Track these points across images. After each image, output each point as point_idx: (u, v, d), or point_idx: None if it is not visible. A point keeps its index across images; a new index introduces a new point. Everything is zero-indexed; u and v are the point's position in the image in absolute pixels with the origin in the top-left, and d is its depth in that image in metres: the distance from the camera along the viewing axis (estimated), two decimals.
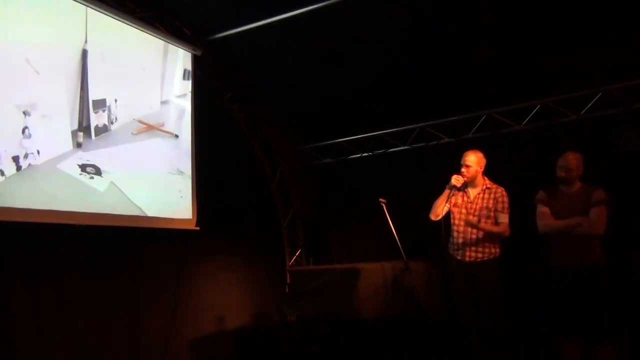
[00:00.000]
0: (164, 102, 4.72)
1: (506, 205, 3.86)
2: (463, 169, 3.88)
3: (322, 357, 4.55)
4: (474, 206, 3.90)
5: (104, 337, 4.02)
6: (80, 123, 3.88)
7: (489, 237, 3.84)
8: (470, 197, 3.94)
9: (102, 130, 4.06)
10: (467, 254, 3.86)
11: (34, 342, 3.57)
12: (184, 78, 4.94)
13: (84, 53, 3.94)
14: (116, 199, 4.08)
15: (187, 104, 4.95)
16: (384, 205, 4.17)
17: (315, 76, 5.31)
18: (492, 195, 3.88)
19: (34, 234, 3.53)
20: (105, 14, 4.12)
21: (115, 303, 4.16)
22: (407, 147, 5.82)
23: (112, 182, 4.07)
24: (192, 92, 4.99)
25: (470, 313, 3.81)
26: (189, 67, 4.97)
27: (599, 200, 3.56)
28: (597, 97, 4.64)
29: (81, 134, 3.87)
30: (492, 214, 3.85)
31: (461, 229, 3.91)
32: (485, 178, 3.96)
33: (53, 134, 3.68)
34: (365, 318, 3.93)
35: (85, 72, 3.93)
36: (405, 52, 4.85)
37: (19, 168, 3.42)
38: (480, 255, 3.83)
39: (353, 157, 6.25)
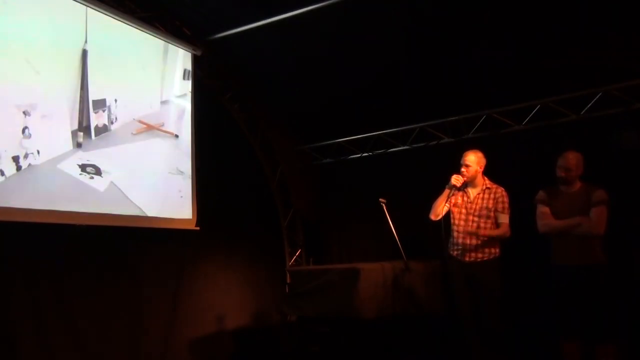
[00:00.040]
0: (164, 102, 4.72)
1: (506, 205, 3.86)
2: (463, 169, 3.88)
3: (322, 357, 4.55)
4: (473, 206, 3.90)
5: (104, 337, 4.01)
6: (80, 123, 3.88)
7: (490, 238, 3.84)
8: (470, 197, 3.94)
9: (102, 130, 4.06)
10: (467, 254, 3.85)
11: (34, 342, 3.57)
12: (184, 78, 4.94)
13: (84, 53, 3.94)
14: (116, 199, 4.08)
15: (187, 104, 4.95)
16: (384, 205, 4.17)
17: (315, 76, 5.31)
18: (492, 196, 3.88)
19: (34, 234, 3.53)
20: (105, 14, 4.12)
21: (115, 303, 4.16)
22: (407, 147, 5.82)
23: (112, 182, 4.07)
24: (192, 92, 4.99)
25: (470, 313, 3.80)
26: (189, 67, 4.97)
27: (599, 200, 3.56)
28: (597, 97, 4.64)
29: (81, 134, 3.87)
30: (492, 214, 3.85)
31: (461, 228, 3.91)
32: (485, 178, 3.96)
33: (53, 134, 3.68)
34: (365, 318, 3.93)
35: (85, 72, 3.93)
36: (405, 52, 4.85)
37: (19, 168, 3.42)
38: (480, 255, 3.83)
39: (353, 157, 6.25)
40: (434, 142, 5.64)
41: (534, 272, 4.30)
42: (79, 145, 3.86)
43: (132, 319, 4.29)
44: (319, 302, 4.25)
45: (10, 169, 3.37)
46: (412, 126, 5.69)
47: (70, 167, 3.78)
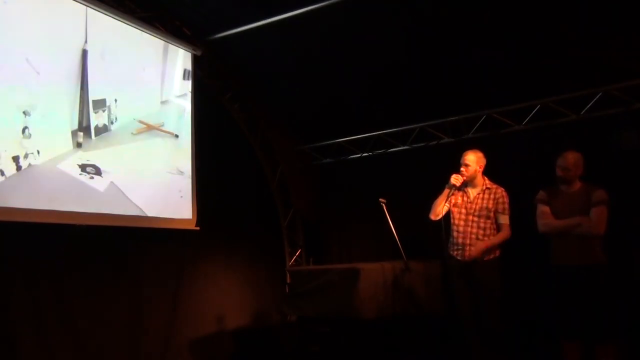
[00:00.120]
0: (164, 102, 4.72)
1: (506, 206, 3.85)
2: (462, 168, 3.88)
3: (322, 357, 4.55)
4: (473, 206, 3.89)
5: (104, 337, 4.02)
6: (80, 123, 3.88)
7: (489, 237, 3.83)
8: (470, 197, 3.93)
9: (102, 130, 4.06)
10: (467, 254, 3.85)
11: (34, 342, 3.57)
12: (184, 78, 4.94)
13: (84, 53, 3.94)
14: (116, 199, 4.08)
15: (187, 104, 4.95)
16: (384, 205, 4.17)
17: (315, 76, 5.31)
18: (492, 196, 3.88)
19: (34, 234, 3.53)
20: (105, 14, 4.12)
21: (115, 303, 4.16)
22: (407, 147, 5.82)
23: (112, 182, 4.07)
24: (192, 92, 4.99)
25: (470, 313, 3.80)
26: (189, 67, 4.97)
27: (599, 200, 3.56)
28: (597, 97, 4.64)
29: (81, 134, 3.88)
30: (492, 214, 3.85)
31: (461, 228, 3.91)
32: (485, 178, 3.96)
33: (53, 134, 3.68)
34: (365, 318, 3.93)
35: (85, 72, 3.93)
36: (405, 52, 4.85)
37: (19, 168, 3.42)
38: (480, 255, 3.82)
39: (353, 157, 6.25)
40: (434, 142, 5.64)
41: (534, 272, 4.31)
42: (79, 145, 3.86)
43: (132, 319, 4.29)
44: (319, 302, 4.25)
45: (10, 169, 3.37)
46: (412, 126, 5.69)
47: (70, 167, 3.78)
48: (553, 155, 3.78)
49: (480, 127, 5.30)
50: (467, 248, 3.85)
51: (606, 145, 4.51)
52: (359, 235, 6.12)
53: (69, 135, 3.80)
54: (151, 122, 4.53)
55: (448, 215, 3.98)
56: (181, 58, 4.90)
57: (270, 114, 6.10)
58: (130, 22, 4.35)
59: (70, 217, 3.72)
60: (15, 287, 3.55)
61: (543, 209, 3.75)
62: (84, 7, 3.95)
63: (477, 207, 3.88)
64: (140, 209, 4.28)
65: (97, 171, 3.97)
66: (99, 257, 4.06)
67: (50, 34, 3.71)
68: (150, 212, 4.37)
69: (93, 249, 3.99)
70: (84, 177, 3.86)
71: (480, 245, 3.76)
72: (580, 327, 3.52)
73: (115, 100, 4.18)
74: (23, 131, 3.47)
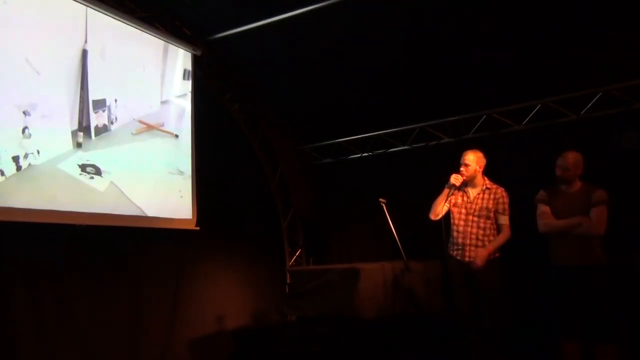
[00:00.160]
0: (164, 102, 4.72)
1: (506, 206, 3.85)
2: (462, 168, 3.88)
3: (322, 357, 4.55)
4: (473, 206, 3.89)
5: (104, 337, 4.01)
6: (80, 123, 3.88)
7: (489, 237, 3.83)
8: (470, 197, 3.93)
9: (102, 130, 4.06)
10: (467, 254, 3.85)
11: (34, 342, 3.57)
12: (184, 78, 4.94)
13: (84, 53, 3.94)
14: (116, 199, 4.08)
15: (187, 104, 4.95)
16: (384, 205, 4.17)
17: (315, 76, 5.32)
18: (492, 196, 3.87)
19: (34, 234, 3.53)
20: (105, 14, 4.12)
21: (115, 303, 4.16)
22: (407, 147, 5.82)
23: (112, 182, 4.07)
24: (192, 92, 4.99)
25: (470, 313, 3.80)
26: (189, 67, 4.97)
27: (600, 200, 3.56)
28: (597, 97, 4.64)
29: (81, 134, 3.88)
30: (492, 214, 3.85)
31: (461, 228, 3.91)
32: (485, 178, 3.96)
33: (53, 134, 3.68)
34: (365, 318, 3.93)
35: (85, 72, 3.93)
36: (405, 52, 4.85)
37: (19, 168, 3.42)
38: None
39: (353, 157, 6.25)
40: (434, 142, 5.64)
41: (534, 272, 4.30)
42: (79, 145, 3.86)
43: (132, 319, 4.29)
44: (319, 302, 4.25)
45: (10, 169, 3.37)
46: (412, 126, 5.69)
47: (70, 167, 3.78)
48: (553, 155, 3.78)
49: (480, 127, 5.30)
50: (467, 248, 3.85)
51: (606, 145, 4.51)
52: (359, 235, 6.12)
53: (69, 135, 3.80)
54: (151, 122, 4.53)
55: (448, 215, 3.98)
56: (181, 58, 4.90)
57: (270, 114, 6.10)
58: (130, 22, 4.35)
59: (70, 217, 3.72)
60: (15, 287, 3.55)
61: (543, 208, 3.75)
62: (84, 7, 3.95)
63: (477, 207, 3.88)
64: (140, 209, 4.28)
65: (97, 171, 3.97)
66: (99, 257, 4.06)
67: (50, 34, 3.71)
68: (150, 212, 4.37)
69: (93, 249, 3.99)
70: (84, 177, 3.86)
71: (484, 253, 3.74)
72: (580, 327, 3.52)
73: (115, 100, 4.18)
74: (23, 131, 3.47)
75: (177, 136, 4.81)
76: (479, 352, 3.76)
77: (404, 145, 5.85)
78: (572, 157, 3.67)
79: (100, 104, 4.05)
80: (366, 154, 6.13)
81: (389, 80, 5.22)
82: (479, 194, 3.91)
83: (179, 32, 4.94)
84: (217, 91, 5.56)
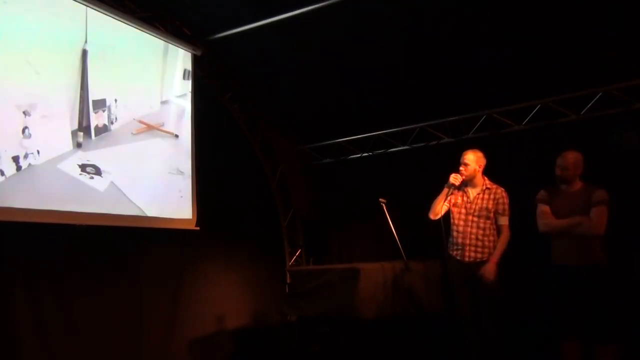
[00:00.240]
0: (164, 102, 4.72)
1: (506, 207, 3.85)
2: (461, 168, 3.88)
3: (322, 357, 4.55)
4: (473, 206, 3.89)
5: (104, 337, 4.01)
6: (80, 123, 3.88)
7: (489, 238, 3.83)
8: (470, 197, 3.93)
9: (102, 130, 4.06)
10: (467, 254, 3.85)
11: (34, 342, 3.57)
12: (184, 78, 4.94)
13: (84, 53, 3.94)
14: (116, 199, 4.08)
15: (187, 104, 4.95)
16: (384, 205, 4.18)
17: (315, 76, 5.32)
18: (492, 196, 3.87)
19: (34, 234, 3.53)
20: (105, 14, 4.12)
21: (115, 303, 4.16)
22: (407, 147, 5.82)
23: (112, 182, 4.07)
24: (192, 92, 4.99)
25: (470, 313, 3.80)
26: (189, 67, 4.97)
27: (600, 200, 3.56)
28: (597, 97, 4.64)
29: (81, 134, 3.88)
30: (491, 215, 3.85)
31: (461, 228, 3.91)
32: (485, 178, 3.96)
33: (53, 134, 3.68)
34: (365, 318, 3.93)
35: (85, 72, 3.93)
36: (405, 52, 4.85)
37: (19, 168, 3.42)
38: (480, 255, 3.83)
39: (353, 157, 6.25)
40: (434, 142, 5.64)
41: (534, 272, 4.30)
42: (79, 145, 3.86)
43: (132, 318, 4.29)
44: (319, 302, 4.25)
45: (10, 169, 3.37)
46: (412, 126, 5.69)
47: (70, 167, 3.78)
48: (553, 155, 3.78)
49: (480, 127, 5.30)
50: (467, 248, 3.85)
51: (606, 145, 4.51)
52: (359, 235, 6.12)
53: (69, 135, 3.80)
54: (151, 122, 4.53)
55: (448, 215, 3.98)
56: (181, 58, 4.90)
57: (270, 114, 6.10)
58: (130, 22, 4.35)
59: (70, 217, 3.72)
60: (15, 287, 3.55)
61: (543, 208, 3.75)
62: (84, 7, 3.95)
63: (477, 207, 3.88)
64: (140, 209, 4.28)
65: (97, 171, 3.97)
66: (99, 257, 4.06)
67: (50, 34, 3.71)
68: (150, 212, 4.37)
69: (93, 249, 3.99)
70: (84, 177, 3.86)
71: (492, 268, 3.72)
72: (580, 327, 3.52)
73: (115, 100, 4.18)
74: (23, 131, 3.47)
75: (177, 136, 4.81)
76: (479, 352, 3.76)
77: (404, 145, 5.84)
78: (571, 157, 3.67)
79: (100, 104, 4.05)
80: (366, 154, 6.13)
81: (389, 80, 5.22)
82: (478, 194, 3.91)
83: (179, 32, 4.94)
84: (217, 91, 5.56)
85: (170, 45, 4.77)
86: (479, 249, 3.84)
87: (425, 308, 4.32)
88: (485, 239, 3.83)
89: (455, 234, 3.94)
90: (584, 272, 3.52)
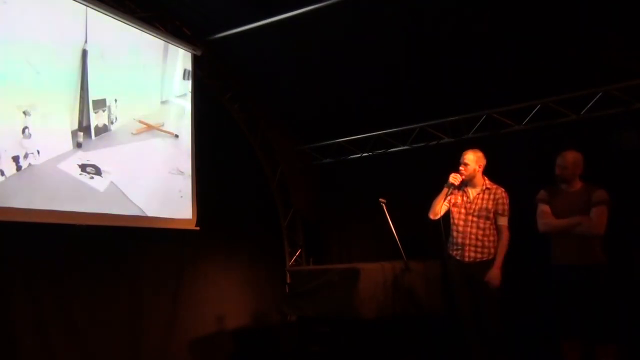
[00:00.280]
0: (164, 102, 4.72)
1: (506, 207, 3.84)
2: (461, 167, 3.87)
3: (322, 357, 4.55)
4: (473, 206, 3.89)
5: (104, 337, 4.01)
6: (80, 123, 3.88)
7: (489, 238, 3.83)
8: (469, 197, 3.93)
9: (102, 130, 4.06)
10: (467, 254, 3.85)
11: (34, 342, 3.57)
12: (184, 78, 4.94)
13: (84, 53, 3.94)
14: (116, 199, 4.08)
15: (187, 104, 4.95)
16: (384, 205, 4.18)
17: (315, 76, 5.32)
18: (492, 197, 3.87)
19: (34, 234, 3.53)
20: (105, 14, 4.12)
21: (115, 303, 4.16)
22: (407, 147, 5.82)
23: (112, 182, 4.07)
24: (192, 92, 4.99)
25: (470, 313, 3.80)
26: (189, 67, 4.97)
27: (600, 200, 3.56)
28: (597, 97, 4.64)
29: (81, 134, 3.88)
30: (491, 215, 3.84)
31: (460, 228, 3.90)
32: (485, 178, 3.95)
33: (53, 134, 3.68)
34: (365, 318, 3.93)
35: (85, 72, 3.93)
36: (405, 52, 4.85)
37: (19, 168, 3.42)
38: (479, 255, 3.82)
39: (353, 157, 6.25)
40: (434, 142, 5.64)
41: (534, 272, 4.30)
42: (79, 145, 3.86)
43: (132, 318, 4.29)
44: (319, 302, 4.25)
45: (10, 169, 3.37)
46: (412, 126, 5.69)
47: (70, 167, 3.78)
48: (553, 155, 3.78)
49: (480, 127, 5.30)
50: (467, 248, 3.84)
51: (606, 145, 4.51)
52: (359, 235, 6.12)
53: (69, 135, 3.80)
54: (151, 122, 4.53)
55: (448, 215, 3.98)
56: (181, 58, 4.90)
57: (270, 114, 6.10)
58: (130, 22, 4.35)
59: (70, 217, 3.72)
60: (15, 287, 3.55)
61: (543, 208, 3.75)
62: (84, 7, 3.95)
63: (477, 207, 3.87)
64: (140, 209, 4.28)
65: (97, 171, 3.97)
66: (99, 257, 4.06)
67: (50, 34, 3.71)
68: (150, 212, 4.37)
69: (93, 249, 3.99)
70: (84, 177, 3.86)
71: (497, 273, 3.72)
72: (580, 327, 3.52)
73: (115, 100, 4.18)
74: (23, 131, 3.47)
75: (177, 136, 4.81)
76: (479, 352, 3.76)
77: (404, 145, 5.85)
78: (571, 156, 3.67)
79: (100, 104, 4.05)
80: (366, 154, 6.13)
81: (389, 80, 5.22)
82: (478, 194, 3.91)
83: (179, 32, 4.94)
84: (217, 91, 5.56)
85: (170, 45, 4.77)
86: (479, 249, 3.83)
87: (425, 308, 4.32)
88: (485, 239, 3.83)
89: (455, 234, 3.94)
90: (584, 272, 3.52)
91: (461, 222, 3.91)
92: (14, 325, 3.48)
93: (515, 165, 4.76)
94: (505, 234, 3.81)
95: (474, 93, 5.05)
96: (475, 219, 3.86)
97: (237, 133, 5.87)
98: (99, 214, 3.92)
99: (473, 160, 3.87)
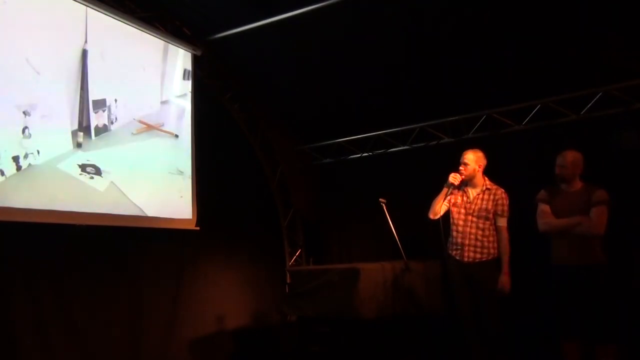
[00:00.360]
0: (164, 102, 4.72)
1: (506, 208, 3.83)
2: (461, 167, 3.87)
3: (322, 357, 4.55)
4: (473, 206, 3.88)
5: (104, 337, 4.02)
6: (80, 123, 3.88)
7: (489, 238, 3.83)
8: (469, 197, 3.92)
9: (102, 130, 4.06)
10: (466, 254, 3.84)
11: (34, 342, 3.57)
12: (184, 78, 4.94)
13: (84, 53, 3.94)
14: (116, 199, 4.08)
15: (187, 104, 4.95)
16: (384, 205, 4.17)
17: (315, 76, 5.32)
18: (491, 197, 3.86)
19: (34, 234, 3.53)
20: (105, 14, 4.12)
21: (115, 303, 4.16)
22: (407, 147, 5.82)
23: (112, 182, 4.07)
24: (192, 92, 4.99)
25: (470, 313, 3.79)
26: (189, 67, 4.97)
27: (600, 200, 3.56)
28: (597, 97, 4.64)
29: (81, 134, 3.88)
30: (491, 215, 3.84)
31: (460, 228, 3.90)
32: (486, 178, 3.95)
33: (53, 134, 3.68)
34: (365, 318, 3.93)
35: (85, 72, 3.93)
36: (405, 52, 4.85)
37: (19, 168, 3.42)
38: (479, 255, 3.82)
39: (353, 157, 6.25)
40: (434, 142, 5.64)
41: (534, 272, 4.30)
42: (79, 145, 3.86)
43: (132, 318, 4.29)
44: (319, 302, 4.25)
45: (10, 169, 3.37)
46: (412, 126, 5.69)
47: (70, 167, 3.78)
48: (553, 155, 3.78)
49: (480, 127, 5.30)
50: (466, 248, 3.84)
51: (606, 145, 4.51)
52: (359, 235, 6.12)
53: (69, 135, 3.80)
54: (151, 122, 4.53)
55: (448, 215, 3.98)
56: (181, 58, 4.90)
57: (270, 114, 6.10)
58: (130, 22, 4.35)
59: (70, 217, 3.72)
60: (15, 287, 3.55)
61: (543, 208, 3.75)
62: (84, 7, 3.95)
63: (477, 207, 3.87)
64: (140, 209, 4.28)
65: (97, 171, 3.97)
66: (99, 257, 4.06)
67: (50, 34, 3.71)
68: (150, 212, 4.37)
69: (93, 249, 3.99)
70: (84, 177, 3.86)
71: (506, 280, 3.71)
72: (580, 327, 3.52)
73: (115, 100, 4.18)
74: (23, 131, 3.47)
75: (177, 136, 4.81)
76: (479, 352, 3.76)
77: (404, 145, 5.85)
78: (570, 156, 3.67)
79: (100, 104, 4.05)
80: (366, 154, 6.14)
81: (389, 80, 5.22)
82: (478, 194, 3.90)
83: (179, 32, 4.94)
84: (217, 91, 5.56)
85: (170, 45, 4.77)
86: (478, 249, 3.83)
87: (425, 308, 4.32)
88: (485, 239, 3.82)
89: (454, 233, 3.94)
90: (584, 272, 3.52)
91: (461, 222, 3.91)
92: (14, 325, 3.48)
93: (515, 165, 4.76)
94: (505, 236, 3.80)
95: (474, 93, 5.06)
96: (474, 219, 3.86)
97: (237, 133, 5.87)
98: (99, 214, 3.92)
99: (473, 160, 3.87)
